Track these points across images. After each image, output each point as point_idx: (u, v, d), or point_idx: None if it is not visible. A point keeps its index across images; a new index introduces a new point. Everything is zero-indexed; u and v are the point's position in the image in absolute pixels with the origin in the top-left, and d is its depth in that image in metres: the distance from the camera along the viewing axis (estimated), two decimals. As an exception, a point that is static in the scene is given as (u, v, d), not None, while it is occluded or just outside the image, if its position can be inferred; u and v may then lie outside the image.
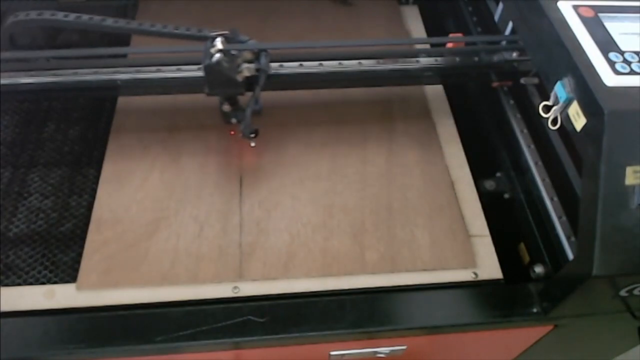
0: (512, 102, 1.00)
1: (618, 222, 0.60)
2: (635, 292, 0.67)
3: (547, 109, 0.70)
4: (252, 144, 0.90)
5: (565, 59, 0.67)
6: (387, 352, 0.80)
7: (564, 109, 0.68)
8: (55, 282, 0.79)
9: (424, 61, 0.95)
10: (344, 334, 0.73)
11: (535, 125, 0.95)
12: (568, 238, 0.79)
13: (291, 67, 0.91)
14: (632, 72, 0.64)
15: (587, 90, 0.63)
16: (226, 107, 0.88)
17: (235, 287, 0.78)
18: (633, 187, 0.60)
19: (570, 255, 0.77)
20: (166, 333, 0.70)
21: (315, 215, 0.86)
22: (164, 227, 0.84)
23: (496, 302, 0.76)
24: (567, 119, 0.68)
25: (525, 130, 0.95)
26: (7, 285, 0.78)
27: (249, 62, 0.84)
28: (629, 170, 0.60)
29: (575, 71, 0.65)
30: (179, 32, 0.86)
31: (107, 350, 0.69)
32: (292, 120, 1.00)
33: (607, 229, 0.60)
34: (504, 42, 1.01)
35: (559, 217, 0.82)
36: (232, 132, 0.96)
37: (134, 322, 0.71)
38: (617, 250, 0.60)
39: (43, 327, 0.70)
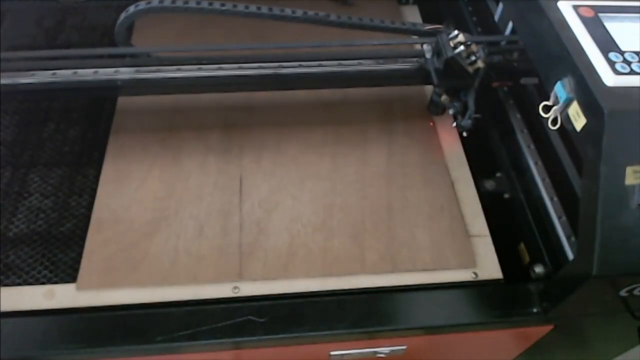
0: (511, 101, 1.00)
1: (618, 222, 0.60)
2: (635, 292, 0.67)
3: (547, 109, 0.70)
4: (465, 134, 0.93)
5: (565, 59, 0.67)
6: (387, 352, 0.80)
7: (564, 109, 0.68)
8: (55, 282, 0.79)
9: (422, 61, 0.93)
10: (344, 334, 0.73)
11: (535, 125, 0.95)
12: (568, 238, 0.79)
13: (292, 66, 0.92)
14: (632, 72, 0.64)
15: (587, 90, 0.63)
16: (445, 98, 0.91)
17: (235, 287, 0.78)
18: (633, 187, 0.60)
19: (570, 255, 0.77)
20: (166, 333, 0.70)
21: (315, 215, 0.86)
22: (164, 227, 0.84)
23: (496, 302, 0.76)
24: (567, 119, 0.68)
25: (525, 130, 0.95)
26: (7, 285, 0.78)
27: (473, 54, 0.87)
28: (629, 170, 0.60)
29: (575, 71, 0.65)
30: (395, 26, 0.92)
31: (107, 350, 0.69)
32: (292, 120, 1.00)
33: (607, 229, 0.60)
34: (503, 42, 1.01)
35: (559, 217, 0.82)
36: (432, 123, 1.01)
37: (134, 322, 0.71)
38: (617, 250, 0.60)
39: (43, 327, 0.70)
